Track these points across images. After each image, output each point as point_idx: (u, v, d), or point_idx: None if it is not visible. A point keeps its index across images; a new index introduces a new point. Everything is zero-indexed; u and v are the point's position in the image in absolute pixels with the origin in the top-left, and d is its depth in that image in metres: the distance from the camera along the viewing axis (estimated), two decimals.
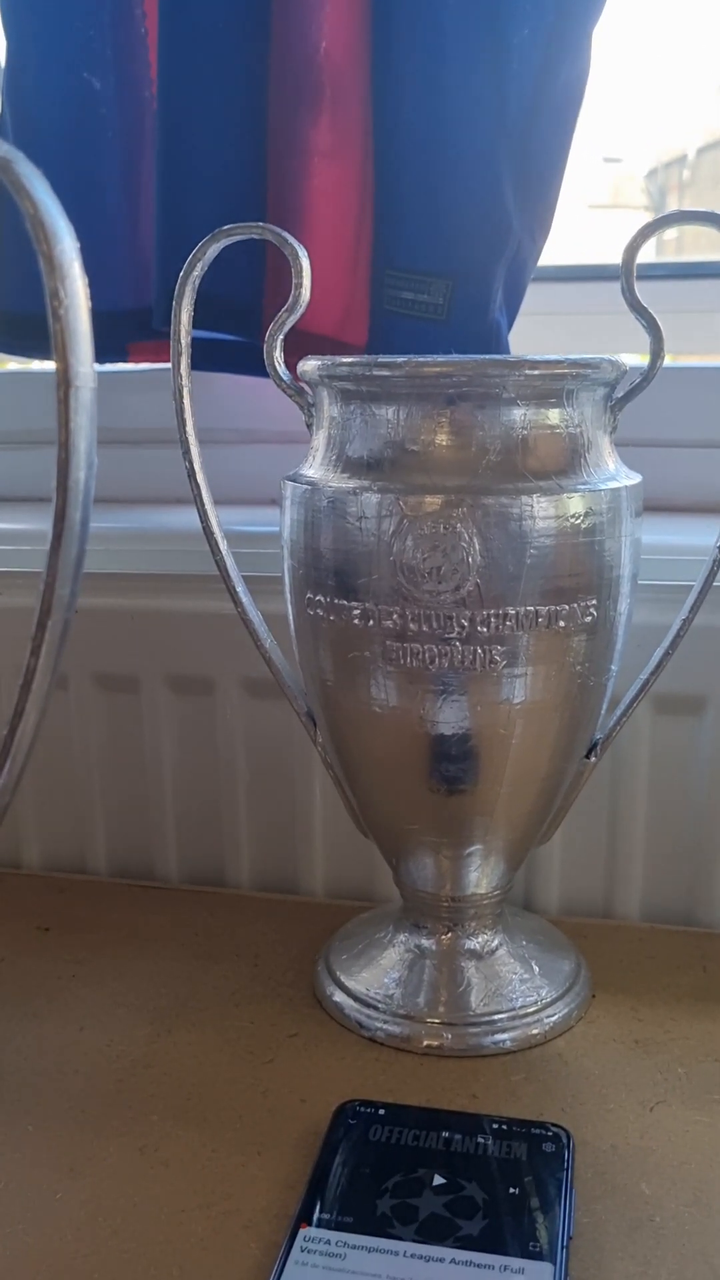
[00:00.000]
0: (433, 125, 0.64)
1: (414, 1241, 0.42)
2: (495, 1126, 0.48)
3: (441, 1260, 0.41)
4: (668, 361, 0.52)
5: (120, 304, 0.72)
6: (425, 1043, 0.55)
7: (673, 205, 1.16)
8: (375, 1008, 0.56)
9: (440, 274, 0.66)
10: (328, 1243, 0.42)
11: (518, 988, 0.57)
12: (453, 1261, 0.41)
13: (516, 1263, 0.41)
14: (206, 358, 0.71)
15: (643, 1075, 0.53)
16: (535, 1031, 0.55)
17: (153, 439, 0.75)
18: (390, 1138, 0.47)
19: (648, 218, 0.50)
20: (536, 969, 0.58)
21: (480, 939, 0.58)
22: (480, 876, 0.56)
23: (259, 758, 0.70)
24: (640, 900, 0.68)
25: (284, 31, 0.64)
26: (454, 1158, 0.46)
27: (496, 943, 0.58)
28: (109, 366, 0.77)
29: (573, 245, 1.07)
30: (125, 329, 0.72)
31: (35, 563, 0.38)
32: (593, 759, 0.56)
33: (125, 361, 0.76)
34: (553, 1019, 0.56)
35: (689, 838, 0.66)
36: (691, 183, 1.17)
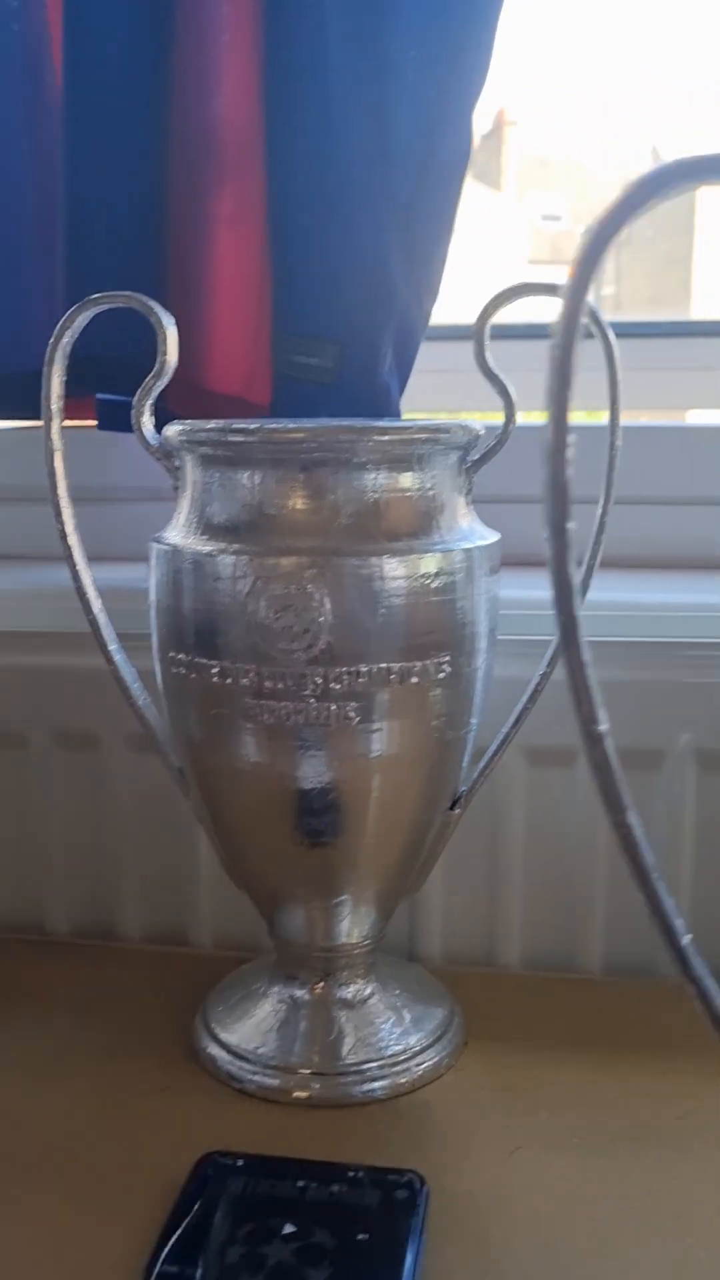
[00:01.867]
0: (322, 196, 0.66)
1: None
2: (350, 1174, 0.49)
3: None
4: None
5: (37, 365, 0.73)
6: (295, 1094, 0.56)
7: (610, 261, 1.20)
8: (247, 1060, 0.57)
9: (329, 339, 0.68)
10: None
11: (389, 1036, 0.58)
12: None
13: None
14: (112, 418, 0.73)
15: (506, 1121, 0.54)
16: (404, 1080, 0.56)
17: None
18: (247, 1188, 0.48)
19: None
20: (409, 1017, 0.59)
21: (352, 988, 0.59)
22: (350, 926, 0.57)
23: (145, 811, 0.71)
24: (520, 948, 0.69)
25: (184, 100, 0.66)
26: (307, 1206, 0.47)
27: (369, 992, 0.59)
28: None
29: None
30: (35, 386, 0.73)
31: None
32: (457, 810, 0.57)
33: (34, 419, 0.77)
34: (422, 1067, 0.57)
35: (565, 886, 0.68)
36: (628, 240, 1.21)
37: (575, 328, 0.26)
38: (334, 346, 0.69)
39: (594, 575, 0.57)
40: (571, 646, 0.29)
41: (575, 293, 0.27)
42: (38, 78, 0.71)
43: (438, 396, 0.79)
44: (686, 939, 0.32)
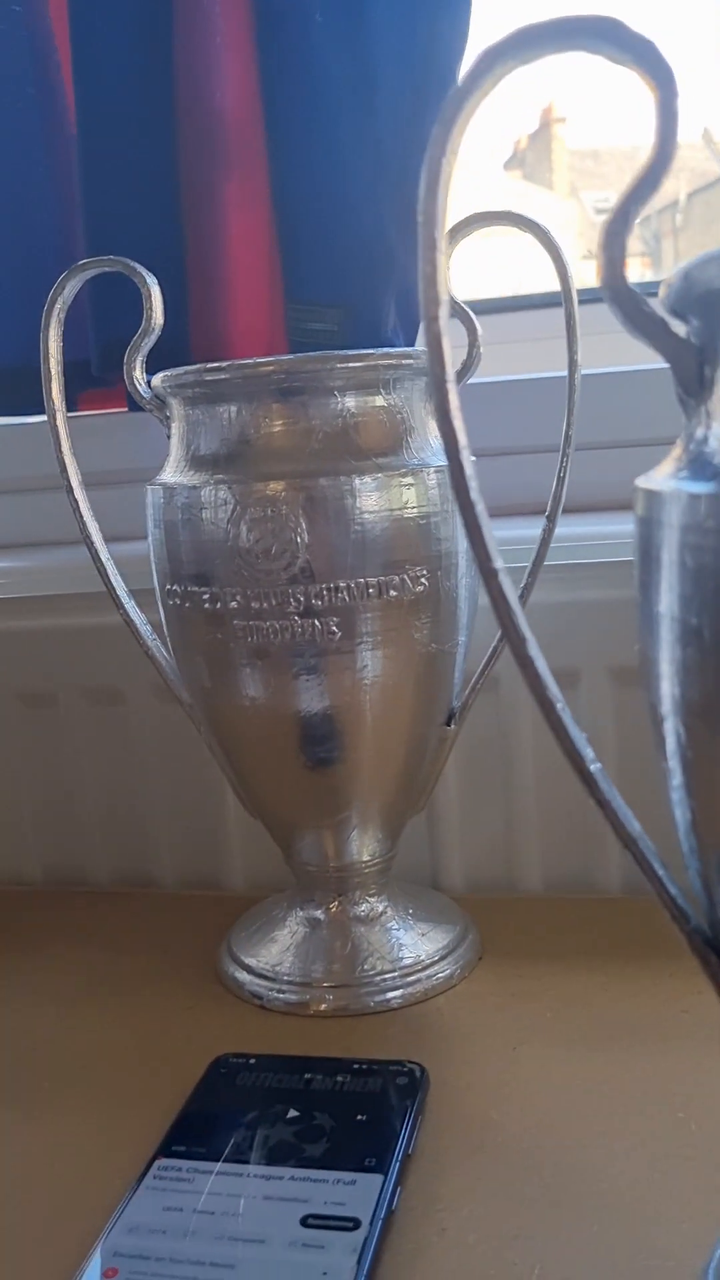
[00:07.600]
0: (319, 173, 0.70)
1: (259, 1164, 0.45)
2: (356, 1066, 0.51)
3: (280, 1178, 0.44)
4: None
5: (66, 356, 0.76)
6: (314, 1007, 0.58)
7: (668, 250, 1.22)
8: (269, 978, 0.59)
9: (335, 304, 0.72)
10: (179, 1170, 0.45)
11: (402, 949, 0.60)
12: (291, 1179, 0.44)
13: (350, 1175, 0.44)
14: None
15: (512, 1021, 0.56)
16: (417, 988, 0.58)
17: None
18: (256, 1082, 0.50)
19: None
20: (421, 933, 0.61)
21: (365, 905, 0.61)
22: (360, 846, 0.60)
23: (173, 760, 0.74)
24: (540, 871, 0.70)
25: (188, 96, 0.70)
26: (312, 1094, 0.49)
27: (382, 908, 0.61)
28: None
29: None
30: (74, 380, 0.76)
31: None
32: (452, 726, 0.59)
33: (76, 410, 0.80)
34: (435, 978, 0.59)
35: (580, 805, 0.69)
36: (685, 226, 1.22)
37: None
38: (340, 311, 0.72)
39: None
40: (461, 491, 0.32)
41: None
42: (44, 73, 0.76)
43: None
44: (594, 766, 0.34)
